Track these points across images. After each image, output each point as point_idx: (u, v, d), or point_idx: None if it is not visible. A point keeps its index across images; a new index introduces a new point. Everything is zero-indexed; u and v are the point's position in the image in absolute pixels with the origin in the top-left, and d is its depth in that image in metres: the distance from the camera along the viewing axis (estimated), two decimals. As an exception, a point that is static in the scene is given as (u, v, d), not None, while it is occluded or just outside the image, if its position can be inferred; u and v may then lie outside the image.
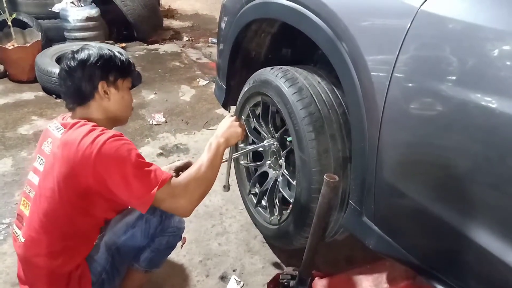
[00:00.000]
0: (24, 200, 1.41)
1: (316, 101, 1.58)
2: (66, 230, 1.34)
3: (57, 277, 1.37)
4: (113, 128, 1.41)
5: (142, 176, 1.26)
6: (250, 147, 2.12)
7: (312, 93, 1.60)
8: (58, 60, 3.89)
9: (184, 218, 1.57)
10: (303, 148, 1.58)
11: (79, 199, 1.30)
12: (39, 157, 1.39)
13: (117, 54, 1.45)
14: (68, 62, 1.39)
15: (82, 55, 1.39)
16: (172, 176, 1.31)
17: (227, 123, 1.54)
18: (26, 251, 1.36)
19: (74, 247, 1.39)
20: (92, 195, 1.30)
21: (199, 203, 1.39)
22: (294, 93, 1.61)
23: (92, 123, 1.33)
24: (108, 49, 1.45)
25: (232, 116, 1.61)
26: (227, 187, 1.86)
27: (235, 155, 1.99)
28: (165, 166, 1.66)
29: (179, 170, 1.66)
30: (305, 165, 1.59)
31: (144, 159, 1.31)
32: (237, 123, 1.55)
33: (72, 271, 1.39)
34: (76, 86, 1.38)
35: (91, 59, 1.38)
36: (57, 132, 1.36)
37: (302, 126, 1.57)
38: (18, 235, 1.39)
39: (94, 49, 1.41)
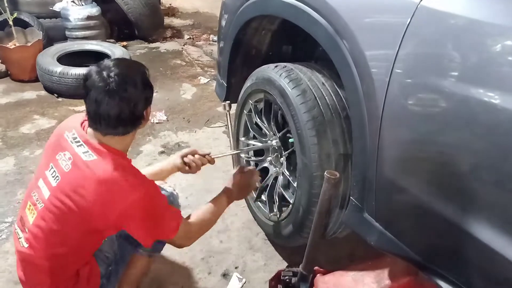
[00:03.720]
0: (30, 206, 1.34)
1: (320, 104, 1.56)
2: (73, 243, 1.31)
3: (62, 279, 1.36)
4: None
5: (161, 230, 1.33)
6: (252, 142, 2.14)
7: (316, 96, 1.57)
8: (60, 60, 3.89)
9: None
10: (305, 152, 1.57)
11: (93, 230, 1.29)
12: (52, 168, 1.29)
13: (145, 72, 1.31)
14: (112, 78, 1.15)
15: (130, 72, 1.20)
16: (180, 225, 1.36)
17: (249, 179, 1.68)
18: (28, 256, 1.33)
19: (80, 258, 1.38)
20: (110, 229, 1.33)
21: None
22: (298, 95, 1.59)
23: (122, 156, 1.28)
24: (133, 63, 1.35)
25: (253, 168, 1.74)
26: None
27: (240, 150, 2.06)
28: (173, 154, 1.70)
29: (184, 156, 1.66)
30: (306, 169, 1.59)
31: (167, 207, 1.36)
32: (257, 176, 1.68)
33: (80, 270, 1.38)
34: (123, 110, 1.17)
35: (142, 75, 1.22)
36: (78, 148, 1.24)
37: (304, 130, 1.56)
38: (20, 238, 1.35)
39: (128, 62, 1.33)
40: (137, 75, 1.22)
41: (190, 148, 1.71)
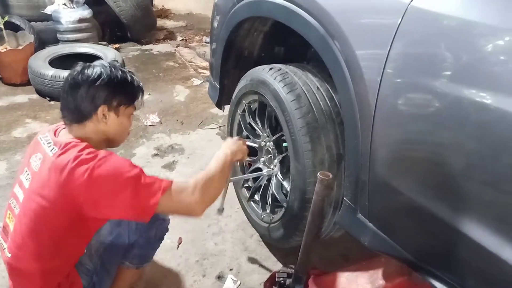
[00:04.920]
0: (9, 214, 1.35)
1: (315, 109, 1.55)
2: (53, 249, 1.28)
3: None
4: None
5: (139, 190, 1.21)
6: (248, 173, 2.14)
7: (310, 101, 1.56)
8: (51, 63, 3.87)
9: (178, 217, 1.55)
10: (298, 158, 1.57)
11: (69, 222, 1.24)
12: (26, 171, 1.32)
13: (129, 78, 1.35)
14: (75, 75, 1.29)
15: (92, 72, 1.29)
16: (172, 181, 1.27)
17: (232, 141, 1.56)
18: (12, 265, 1.31)
19: (63, 262, 1.35)
20: (85, 220, 1.25)
21: (209, 203, 1.35)
22: (293, 100, 1.58)
23: (85, 144, 1.26)
24: (122, 71, 1.35)
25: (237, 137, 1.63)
26: (221, 210, 1.84)
27: (233, 179, 2.03)
28: None
29: None
30: (300, 175, 1.59)
31: (137, 168, 1.25)
32: (241, 142, 1.57)
33: (62, 283, 1.35)
34: (76, 103, 1.28)
35: (100, 79, 1.28)
36: (48, 148, 1.28)
37: (299, 136, 1.55)
38: (5, 248, 1.34)
39: (107, 68, 1.31)
40: (89, 78, 1.29)
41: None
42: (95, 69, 1.30)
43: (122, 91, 1.33)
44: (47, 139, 1.31)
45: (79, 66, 1.33)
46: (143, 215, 1.24)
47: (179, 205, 1.27)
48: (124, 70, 1.37)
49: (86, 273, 1.42)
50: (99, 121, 1.31)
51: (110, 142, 1.40)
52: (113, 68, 1.33)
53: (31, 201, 1.25)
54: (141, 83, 1.42)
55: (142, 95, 1.42)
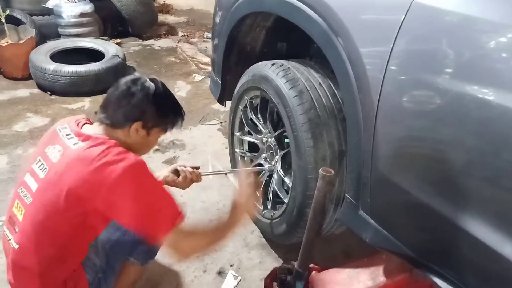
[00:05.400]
0: (17, 203, 1.32)
1: (317, 106, 1.54)
2: (63, 242, 1.28)
3: (51, 285, 1.33)
4: None
5: (154, 216, 1.23)
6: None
7: (312, 97, 1.56)
8: (53, 57, 3.86)
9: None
10: (300, 154, 1.57)
11: (83, 218, 1.24)
12: (40, 161, 1.29)
13: (179, 108, 1.38)
14: (135, 83, 1.29)
15: (150, 87, 1.29)
16: (181, 218, 1.27)
17: (246, 195, 1.53)
18: (18, 258, 1.30)
19: (70, 255, 1.34)
20: (97, 216, 1.24)
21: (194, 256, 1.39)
22: (295, 96, 1.57)
23: (113, 141, 1.25)
24: (173, 96, 1.38)
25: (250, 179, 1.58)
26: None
27: (231, 170, 2.09)
28: (166, 169, 1.66)
29: (174, 168, 1.67)
30: (301, 172, 1.58)
31: (161, 188, 1.28)
32: (252, 193, 1.55)
33: (67, 279, 1.35)
34: (118, 109, 1.28)
35: (153, 96, 1.29)
36: (68, 141, 1.26)
37: (300, 132, 1.55)
38: (10, 240, 1.32)
39: (167, 89, 1.35)
40: (145, 93, 1.29)
41: (181, 163, 1.73)
42: (154, 85, 1.31)
43: (165, 117, 1.35)
44: (66, 131, 1.30)
45: (143, 76, 1.34)
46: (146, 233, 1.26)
47: (171, 244, 1.29)
48: (174, 95, 1.39)
49: (91, 269, 1.42)
50: (129, 134, 1.31)
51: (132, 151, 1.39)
52: (167, 90, 1.36)
53: (49, 192, 1.22)
54: (185, 113, 1.44)
55: (182, 122, 1.44)
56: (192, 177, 1.66)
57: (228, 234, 1.41)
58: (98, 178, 1.16)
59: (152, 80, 1.34)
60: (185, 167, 1.67)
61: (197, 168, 1.71)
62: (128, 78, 1.33)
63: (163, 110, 1.34)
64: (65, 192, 1.18)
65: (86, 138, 1.25)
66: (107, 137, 1.26)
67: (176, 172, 1.66)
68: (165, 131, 1.41)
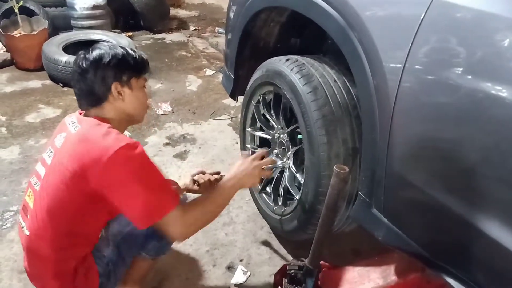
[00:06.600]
0: (29, 191, 1.37)
1: (331, 102, 1.53)
2: (70, 228, 1.30)
3: (63, 271, 1.35)
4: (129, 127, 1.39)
5: (148, 198, 1.21)
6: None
7: (327, 93, 1.54)
8: (65, 49, 3.88)
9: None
10: (313, 151, 1.56)
11: (86, 200, 1.25)
12: (50, 149, 1.36)
13: (130, 51, 1.38)
14: (80, 63, 1.33)
15: (94, 55, 1.33)
16: (178, 203, 1.26)
17: (245, 165, 1.48)
18: (30, 244, 1.34)
19: (79, 243, 1.36)
20: (98, 198, 1.24)
21: (194, 233, 1.35)
22: (309, 92, 1.56)
23: (108, 124, 1.28)
24: (121, 47, 1.38)
25: (247, 156, 1.55)
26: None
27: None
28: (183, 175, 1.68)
29: (193, 175, 1.72)
30: (314, 168, 1.57)
31: (156, 169, 1.27)
32: (255, 165, 1.49)
33: (78, 266, 1.36)
34: (89, 88, 1.33)
35: (104, 59, 1.32)
36: (71, 127, 1.32)
37: (314, 128, 1.53)
38: (23, 227, 1.36)
39: (106, 47, 1.36)
40: (94, 61, 1.33)
41: (200, 169, 1.76)
42: (95, 51, 1.34)
43: (127, 64, 1.36)
44: (72, 120, 1.36)
45: (80, 53, 1.37)
46: (142, 222, 1.24)
47: (170, 230, 1.27)
48: (122, 46, 1.41)
49: (102, 260, 1.43)
50: (115, 100, 1.35)
51: (131, 120, 1.44)
52: (112, 47, 1.37)
53: (53, 176, 1.27)
54: (143, 54, 1.45)
55: (147, 64, 1.45)
56: (211, 181, 1.71)
57: (225, 201, 1.40)
58: (96, 156, 1.19)
59: (91, 48, 1.37)
60: (204, 173, 1.72)
61: (217, 173, 1.75)
62: (74, 62, 1.38)
63: (120, 58, 1.35)
64: (67, 174, 1.23)
65: (83, 121, 1.32)
66: (100, 119, 1.32)
67: (195, 181, 1.70)
68: (144, 78, 1.43)
